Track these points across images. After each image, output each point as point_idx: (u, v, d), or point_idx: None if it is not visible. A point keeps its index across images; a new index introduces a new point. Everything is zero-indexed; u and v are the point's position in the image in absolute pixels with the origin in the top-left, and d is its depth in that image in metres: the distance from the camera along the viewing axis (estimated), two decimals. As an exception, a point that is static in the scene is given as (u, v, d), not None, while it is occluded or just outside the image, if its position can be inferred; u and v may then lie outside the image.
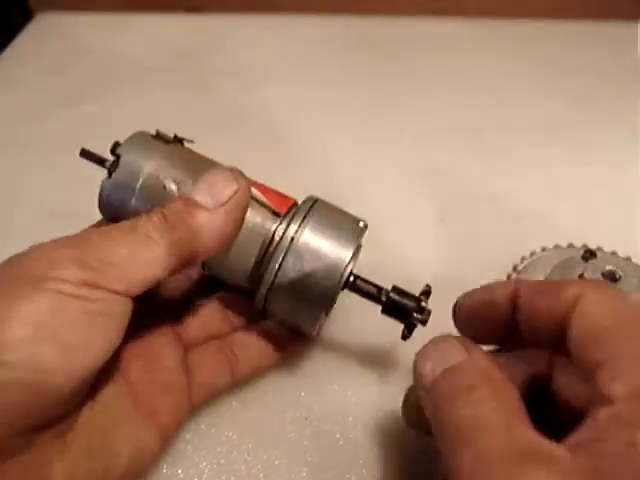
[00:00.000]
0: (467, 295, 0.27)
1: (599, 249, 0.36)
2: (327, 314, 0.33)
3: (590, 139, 0.53)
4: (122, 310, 0.23)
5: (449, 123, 0.55)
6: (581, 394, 0.23)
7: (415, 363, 0.25)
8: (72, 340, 0.21)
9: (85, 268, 0.22)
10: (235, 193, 0.27)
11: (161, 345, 0.30)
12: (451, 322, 0.27)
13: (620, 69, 0.61)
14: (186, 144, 0.32)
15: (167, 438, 0.28)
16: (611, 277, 0.33)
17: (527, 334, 0.25)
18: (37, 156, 0.51)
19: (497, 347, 0.27)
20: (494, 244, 0.41)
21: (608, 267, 0.33)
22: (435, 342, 0.25)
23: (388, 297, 0.30)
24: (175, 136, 0.31)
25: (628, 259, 0.36)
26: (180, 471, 0.30)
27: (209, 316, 0.32)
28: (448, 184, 0.48)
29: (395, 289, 0.30)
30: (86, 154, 0.30)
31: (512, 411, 0.21)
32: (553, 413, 0.24)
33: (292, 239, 0.28)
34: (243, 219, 0.28)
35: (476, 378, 0.22)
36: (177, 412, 0.29)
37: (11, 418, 0.20)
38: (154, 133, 0.31)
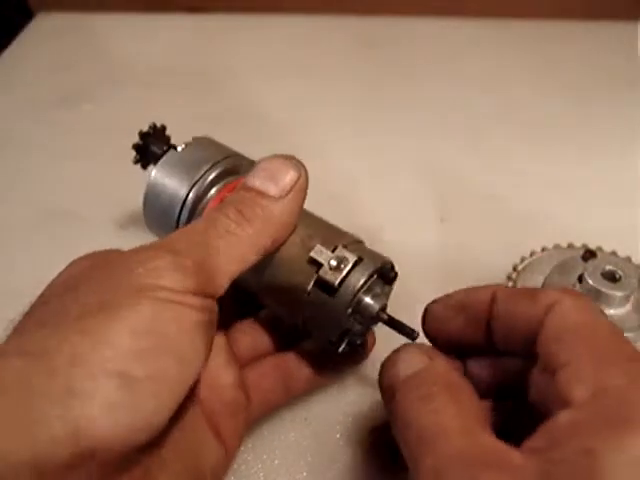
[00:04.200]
0: (441, 300, 0.27)
1: (599, 249, 0.36)
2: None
3: (590, 138, 0.53)
4: (215, 313, 0.23)
5: (449, 123, 0.55)
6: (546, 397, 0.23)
7: (380, 373, 0.25)
8: (184, 351, 0.21)
9: (186, 273, 0.21)
10: (298, 179, 0.26)
11: (218, 362, 0.29)
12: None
13: (620, 69, 0.61)
14: None
15: (231, 460, 0.27)
16: (611, 277, 0.33)
17: (501, 340, 0.24)
18: (37, 156, 0.51)
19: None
20: (494, 244, 0.41)
21: (608, 267, 0.33)
22: (397, 351, 0.25)
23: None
24: None
25: (628, 259, 0.36)
26: (180, 471, 0.30)
27: (258, 333, 0.31)
28: (448, 184, 0.48)
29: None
30: None
31: (471, 416, 0.21)
32: (528, 416, 0.24)
33: None
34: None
35: (436, 385, 0.22)
36: (238, 432, 0.28)
37: (123, 439, 0.19)
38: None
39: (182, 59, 0.64)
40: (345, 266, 0.26)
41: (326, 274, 0.26)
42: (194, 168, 0.30)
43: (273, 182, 0.26)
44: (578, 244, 0.37)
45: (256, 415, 0.30)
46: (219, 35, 0.68)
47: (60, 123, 0.54)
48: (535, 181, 0.48)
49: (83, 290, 0.21)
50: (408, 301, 0.33)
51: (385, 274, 0.28)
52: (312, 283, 0.27)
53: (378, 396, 0.33)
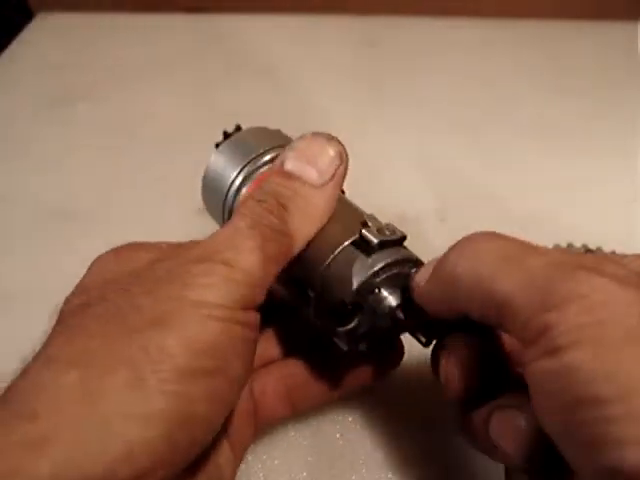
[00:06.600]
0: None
1: (599, 249, 0.36)
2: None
3: (590, 139, 0.53)
4: (258, 327, 0.21)
5: (449, 123, 0.55)
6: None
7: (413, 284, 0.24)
8: (235, 371, 0.20)
9: (237, 288, 0.20)
10: (340, 164, 0.24)
11: None
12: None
13: (620, 69, 0.61)
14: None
15: (235, 471, 0.26)
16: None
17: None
18: (37, 156, 0.51)
19: None
20: (494, 244, 0.41)
21: (608, 267, 0.33)
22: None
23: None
24: None
25: (628, 259, 0.36)
26: (180, 471, 0.30)
27: (266, 341, 0.30)
28: (448, 184, 0.48)
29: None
30: None
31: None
32: None
33: None
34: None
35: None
36: (245, 443, 0.27)
37: (171, 462, 0.19)
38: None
39: (181, 59, 0.64)
40: (391, 235, 0.25)
41: (370, 232, 0.24)
42: (250, 150, 0.30)
43: (313, 166, 0.23)
44: (578, 244, 0.37)
45: (261, 428, 0.29)
46: (218, 35, 0.68)
47: (60, 123, 0.54)
48: (535, 181, 0.48)
49: (137, 293, 0.20)
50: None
51: (405, 277, 0.26)
52: (352, 240, 0.25)
53: (378, 395, 0.33)
